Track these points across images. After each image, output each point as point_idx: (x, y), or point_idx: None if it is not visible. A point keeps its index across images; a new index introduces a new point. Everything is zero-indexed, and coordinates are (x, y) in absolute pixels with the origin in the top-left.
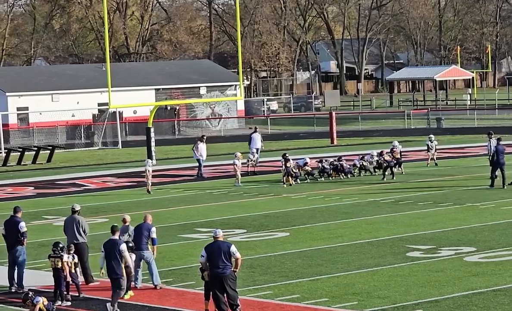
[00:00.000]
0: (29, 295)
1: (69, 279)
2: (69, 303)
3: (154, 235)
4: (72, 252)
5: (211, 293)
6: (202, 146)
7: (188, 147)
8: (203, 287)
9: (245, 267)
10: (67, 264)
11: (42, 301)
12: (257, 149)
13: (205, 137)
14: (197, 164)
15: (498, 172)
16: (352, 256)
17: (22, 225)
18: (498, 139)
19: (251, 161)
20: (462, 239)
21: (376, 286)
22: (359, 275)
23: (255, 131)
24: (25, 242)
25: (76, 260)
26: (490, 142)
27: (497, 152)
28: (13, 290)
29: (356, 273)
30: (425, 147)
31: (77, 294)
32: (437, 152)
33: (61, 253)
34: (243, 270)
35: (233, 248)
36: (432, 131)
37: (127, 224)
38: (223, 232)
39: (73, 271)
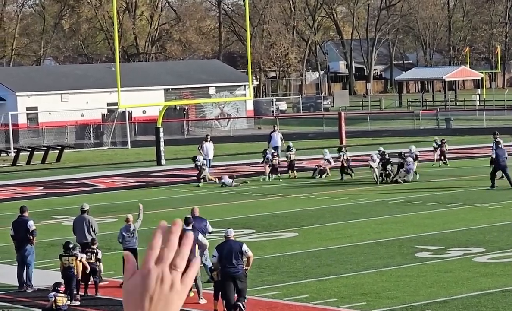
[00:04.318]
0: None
1: (79, 278)
2: (78, 303)
3: None
4: (95, 246)
5: (220, 292)
6: (208, 146)
7: (197, 147)
8: (212, 287)
9: (254, 267)
10: (81, 263)
11: (64, 298)
12: (277, 148)
13: (209, 136)
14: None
15: (498, 173)
16: (361, 256)
17: (30, 223)
18: (497, 143)
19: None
20: (471, 240)
21: (384, 287)
22: (367, 275)
23: (274, 130)
24: (34, 241)
25: (100, 255)
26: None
27: (497, 156)
28: (22, 290)
29: (365, 273)
30: (431, 148)
31: (95, 293)
32: (448, 153)
33: (75, 252)
34: (252, 270)
35: (244, 247)
36: (441, 132)
37: (129, 223)
38: None
39: (97, 268)
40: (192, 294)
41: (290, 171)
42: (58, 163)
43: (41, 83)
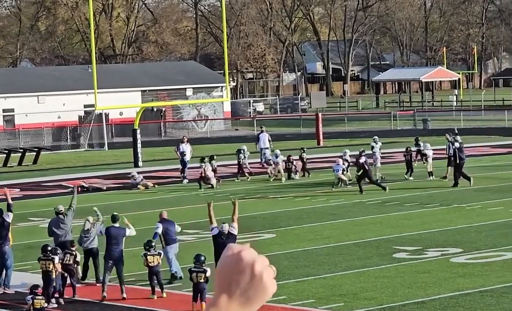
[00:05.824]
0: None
1: (62, 280)
2: (55, 305)
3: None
4: (74, 248)
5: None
6: (185, 147)
7: (174, 149)
8: (191, 289)
9: None
10: (58, 266)
11: (42, 301)
12: (266, 149)
13: (185, 138)
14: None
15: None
16: (339, 257)
17: (5, 214)
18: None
19: (265, 160)
20: (448, 240)
21: (362, 287)
22: (345, 276)
23: (262, 131)
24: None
25: (78, 258)
26: (449, 143)
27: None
28: (1, 292)
29: (343, 274)
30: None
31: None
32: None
33: (52, 256)
34: None
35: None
36: (418, 133)
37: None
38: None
39: (74, 270)
40: (164, 294)
41: (238, 174)
42: (35, 165)
43: (17, 85)
